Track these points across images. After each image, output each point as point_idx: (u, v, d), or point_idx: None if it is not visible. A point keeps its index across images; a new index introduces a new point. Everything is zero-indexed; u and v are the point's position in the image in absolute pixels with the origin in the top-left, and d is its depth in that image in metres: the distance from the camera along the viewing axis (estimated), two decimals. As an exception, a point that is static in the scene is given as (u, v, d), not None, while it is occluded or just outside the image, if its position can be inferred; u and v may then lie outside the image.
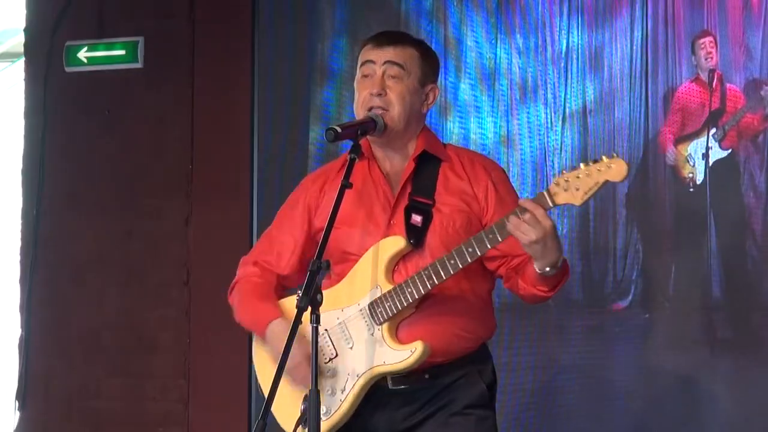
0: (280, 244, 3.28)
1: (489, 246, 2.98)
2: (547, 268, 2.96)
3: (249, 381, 5.17)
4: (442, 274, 3.02)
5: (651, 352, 4.67)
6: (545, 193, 2.93)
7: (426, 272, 3.04)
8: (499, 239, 2.97)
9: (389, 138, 3.22)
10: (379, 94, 3.18)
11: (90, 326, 5.46)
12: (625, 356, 4.69)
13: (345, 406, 3.09)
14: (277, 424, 3.16)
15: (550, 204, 2.92)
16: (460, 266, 3.00)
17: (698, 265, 4.61)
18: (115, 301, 5.44)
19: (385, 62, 3.21)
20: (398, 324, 3.10)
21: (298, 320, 2.90)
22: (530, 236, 2.90)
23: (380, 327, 3.08)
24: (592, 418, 4.71)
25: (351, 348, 3.12)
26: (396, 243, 3.11)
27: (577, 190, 2.89)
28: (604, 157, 2.88)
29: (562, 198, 2.91)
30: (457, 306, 3.12)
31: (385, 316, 3.08)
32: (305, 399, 3.06)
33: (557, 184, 2.91)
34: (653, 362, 4.65)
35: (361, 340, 3.10)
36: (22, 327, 5.56)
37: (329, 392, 3.11)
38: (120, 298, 5.43)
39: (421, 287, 3.04)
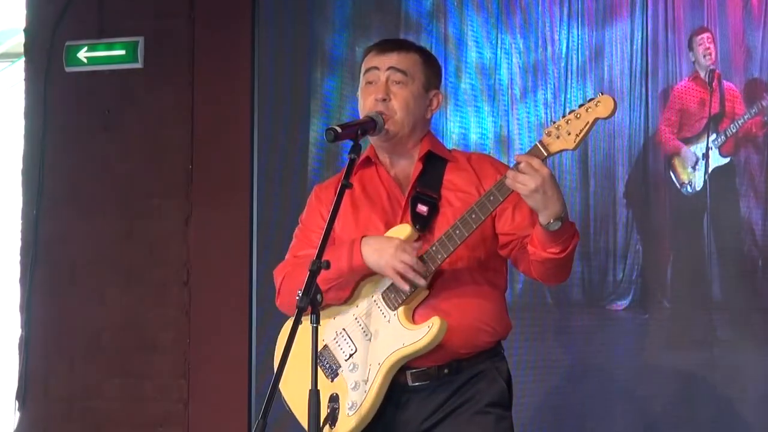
0: (307, 256, 3.28)
1: (491, 208, 3.00)
2: (552, 220, 2.94)
3: (249, 381, 5.17)
4: (449, 245, 3.04)
5: (650, 352, 4.67)
6: (538, 144, 2.94)
7: (434, 248, 3.07)
8: (500, 199, 2.99)
9: (394, 143, 3.25)
10: (384, 99, 3.21)
11: (90, 326, 5.46)
12: (625, 356, 4.69)
13: (371, 397, 3.09)
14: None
15: (545, 153, 2.94)
16: (466, 234, 3.02)
17: (698, 265, 4.61)
18: (115, 301, 5.44)
19: (388, 68, 3.23)
20: (414, 309, 3.11)
21: (298, 320, 2.91)
22: (529, 185, 2.91)
23: (395, 312, 3.10)
24: (591, 418, 4.71)
25: (369, 340, 3.13)
26: (402, 230, 3.14)
27: (569, 134, 2.91)
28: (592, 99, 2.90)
29: (555, 146, 2.93)
30: (477, 298, 3.14)
31: (399, 300, 3.10)
32: (331, 399, 3.10)
33: (549, 134, 2.94)
34: (653, 362, 4.65)
35: (378, 330, 3.12)
36: (22, 327, 5.56)
37: (353, 386, 3.11)
38: (120, 298, 5.43)
39: (431, 264, 3.06)
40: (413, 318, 3.10)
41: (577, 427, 4.74)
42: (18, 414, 5.54)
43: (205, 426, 5.30)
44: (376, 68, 3.24)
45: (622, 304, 4.73)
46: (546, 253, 3.02)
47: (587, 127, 2.89)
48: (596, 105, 2.89)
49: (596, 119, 2.88)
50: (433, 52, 3.42)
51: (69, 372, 5.47)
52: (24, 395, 5.53)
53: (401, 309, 3.10)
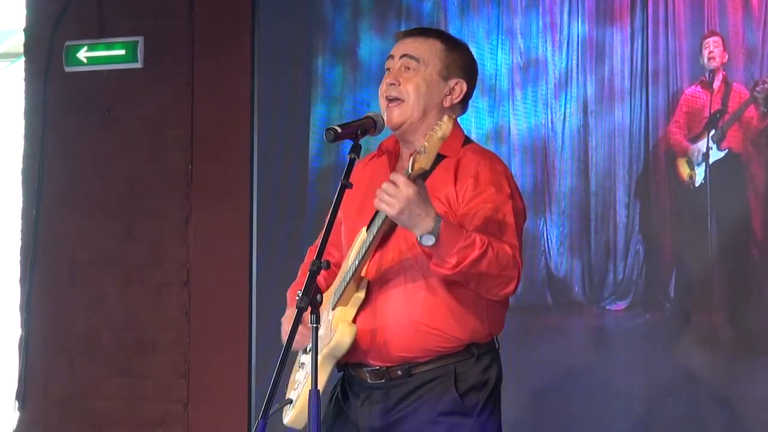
0: (338, 242, 3.32)
1: (375, 230, 3.00)
2: (423, 236, 2.91)
3: (249, 381, 5.18)
4: (362, 254, 3.05)
5: (651, 352, 4.66)
6: (411, 157, 2.91)
7: (358, 253, 3.09)
8: (379, 223, 2.98)
9: (404, 130, 3.23)
10: (393, 84, 3.21)
11: (90, 326, 5.46)
12: (626, 357, 4.69)
13: (304, 393, 3.10)
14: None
15: (410, 170, 2.89)
16: (370, 243, 3.03)
17: (699, 265, 4.61)
18: (115, 301, 5.44)
19: (402, 55, 3.23)
20: (357, 313, 3.12)
21: (298, 320, 2.93)
22: (394, 206, 2.88)
23: (334, 312, 3.13)
24: (591, 419, 4.70)
25: (321, 336, 3.15)
26: (361, 234, 3.14)
27: (425, 152, 2.87)
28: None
29: (418, 163, 2.88)
30: (427, 303, 3.10)
31: (335, 300, 3.13)
32: (294, 387, 3.16)
33: (419, 152, 2.89)
34: (653, 363, 4.64)
35: (323, 327, 3.14)
36: (22, 327, 5.57)
37: (298, 383, 3.19)
38: (120, 298, 5.44)
39: (352, 268, 3.08)
40: (355, 320, 3.11)
41: (577, 427, 4.74)
42: (18, 414, 5.55)
43: (205, 426, 5.30)
44: (393, 56, 3.26)
45: (623, 304, 4.72)
46: (443, 270, 2.97)
47: (433, 148, 2.85)
48: (439, 127, 2.85)
49: (438, 140, 2.84)
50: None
51: (69, 372, 5.48)
52: (24, 395, 5.54)
53: (337, 309, 3.12)
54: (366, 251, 3.06)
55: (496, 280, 3.03)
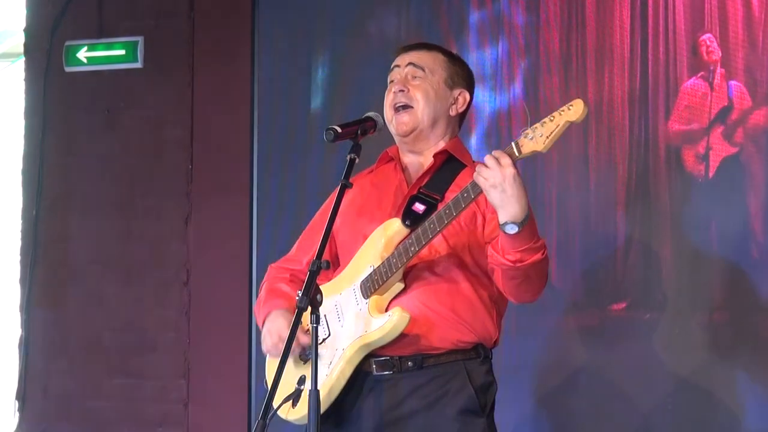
0: (312, 249, 3.28)
1: (463, 204, 2.98)
2: (509, 222, 2.93)
3: (249, 381, 5.17)
4: (423, 239, 3.03)
5: (651, 352, 4.66)
6: (513, 144, 2.93)
7: (409, 240, 3.06)
8: (472, 196, 2.97)
9: (414, 138, 3.24)
10: (402, 90, 3.22)
11: (90, 326, 5.46)
12: (625, 357, 4.69)
13: (330, 381, 3.10)
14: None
15: (517, 154, 2.92)
16: (439, 229, 3.02)
17: (699, 265, 4.61)
18: (115, 301, 5.44)
19: (408, 64, 3.26)
20: (390, 302, 3.11)
21: (297, 320, 2.92)
22: (489, 179, 2.90)
23: (367, 301, 3.11)
24: (591, 419, 4.70)
25: (342, 326, 3.14)
26: (392, 225, 3.14)
27: (541, 136, 2.90)
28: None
29: (527, 147, 2.92)
30: (454, 297, 3.13)
31: (372, 289, 3.10)
32: (300, 380, 3.12)
33: (525, 136, 2.92)
34: (653, 363, 4.64)
35: (349, 317, 3.13)
36: (22, 327, 5.56)
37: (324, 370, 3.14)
38: (120, 298, 5.43)
39: (404, 256, 3.06)
40: (386, 309, 3.11)
41: (576, 427, 4.74)
42: (18, 414, 5.54)
43: (205, 426, 5.30)
44: (398, 66, 3.28)
45: (623, 304, 4.72)
46: (504, 258, 3.00)
47: (558, 130, 2.88)
48: (568, 109, 2.88)
49: (567, 122, 2.88)
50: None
51: (69, 372, 5.47)
52: (24, 395, 5.54)
53: (373, 298, 3.10)
54: (425, 242, 3.04)
55: (536, 287, 3.10)
